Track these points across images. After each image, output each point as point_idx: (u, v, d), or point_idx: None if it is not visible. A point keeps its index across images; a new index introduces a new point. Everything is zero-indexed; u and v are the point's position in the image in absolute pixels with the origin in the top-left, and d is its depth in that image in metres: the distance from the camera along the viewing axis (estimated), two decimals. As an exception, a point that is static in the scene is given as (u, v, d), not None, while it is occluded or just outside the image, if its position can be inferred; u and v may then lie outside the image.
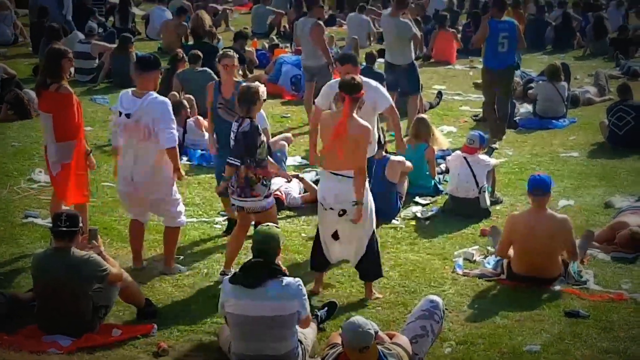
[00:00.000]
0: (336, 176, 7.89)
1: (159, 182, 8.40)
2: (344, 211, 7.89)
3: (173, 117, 8.36)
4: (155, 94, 8.32)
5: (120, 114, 8.28)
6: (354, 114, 7.84)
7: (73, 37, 18.31)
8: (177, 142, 8.35)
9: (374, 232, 8.19)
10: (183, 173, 8.57)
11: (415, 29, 14.11)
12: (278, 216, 9.13)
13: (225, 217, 10.06)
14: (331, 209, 7.94)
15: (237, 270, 6.98)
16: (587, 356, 7.16)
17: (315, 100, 9.35)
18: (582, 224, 10.08)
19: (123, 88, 15.21)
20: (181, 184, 10.43)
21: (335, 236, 8.11)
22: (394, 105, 9.33)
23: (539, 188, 8.50)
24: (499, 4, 13.90)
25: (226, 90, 9.16)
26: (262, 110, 8.77)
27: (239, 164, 8.07)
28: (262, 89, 8.38)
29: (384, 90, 9.30)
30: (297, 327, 6.72)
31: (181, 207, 8.74)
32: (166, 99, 8.44)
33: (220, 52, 9.46)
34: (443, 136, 13.02)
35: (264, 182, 8.26)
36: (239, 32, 18.59)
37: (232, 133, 8.20)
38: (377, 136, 9.21)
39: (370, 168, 8.61)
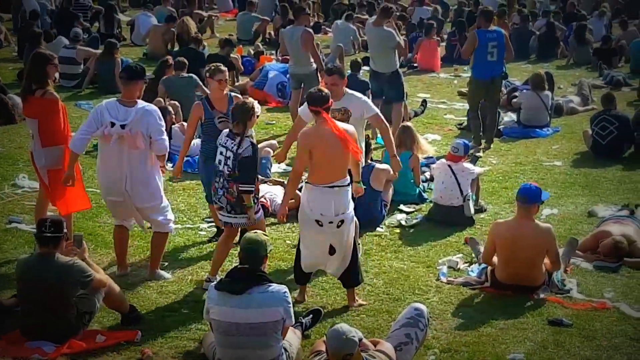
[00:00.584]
0: (332, 189, 7.88)
1: (151, 191, 8.44)
2: (342, 222, 7.92)
3: (164, 125, 8.44)
4: (144, 103, 8.38)
5: (113, 124, 8.22)
6: (335, 122, 7.90)
7: (58, 42, 18.28)
8: (168, 150, 8.42)
9: (355, 240, 8.23)
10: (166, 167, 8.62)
11: (398, 37, 14.13)
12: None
13: (211, 224, 10.06)
14: (330, 222, 7.93)
15: (223, 276, 6.99)
16: (571, 365, 7.21)
17: (300, 109, 9.38)
18: (565, 232, 10.12)
19: (108, 93, 15.46)
20: (166, 190, 10.43)
21: (331, 251, 8.09)
22: (380, 114, 9.33)
23: (526, 196, 8.52)
24: (486, 15, 14.00)
25: (221, 105, 9.13)
26: None
27: (253, 188, 8.11)
28: (257, 106, 8.47)
29: (368, 100, 9.47)
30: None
31: (170, 215, 8.76)
32: (156, 108, 8.48)
33: (211, 67, 9.34)
34: (427, 143, 13.05)
35: (255, 199, 8.31)
36: (227, 40, 18.56)
37: (225, 150, 8.15)
38: (362, 144, 9.19)
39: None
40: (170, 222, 8.74)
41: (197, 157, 12.41)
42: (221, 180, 8.20)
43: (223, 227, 8.63)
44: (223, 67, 9.35)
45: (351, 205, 8.05)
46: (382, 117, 9.37)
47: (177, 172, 9.76)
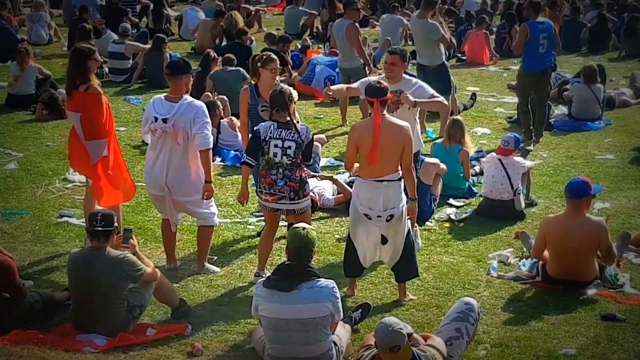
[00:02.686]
0: (381, 183, 7.87)
1: (192, 185, 8.45)
2: (392, 216, 7.90)
3: (209, 120, 8.40)
4: (190, 98, 8.39)
5: (157, 119, 8.30)
6: (387, 116, 7.87)
7: (107, 38, 18.45)
8: (211, 145, 8.38)
9: (409, 231, 8.18)
10: (213, 187, 8.57)
11: (443, 30, 14.07)
12: (312, 217, 9.15)
13: (260, 219, 10.09)
14: (378, 217, 7.93)
15: (271, 273, 7.01)
16: (624, 360, 7.14)
17: (360, 81, 9.48)
18: (618, 227, 10.02)
19: (157, 88, 15.59)
20: (214, 185, 10.47)
21: (384, 240, 8.08)
22: (436, 94, 9.38)
23: (573, 191, 8.45)
24: (535, 6, 13.86)
25: (268, 94, 8.96)
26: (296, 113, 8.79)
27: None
28: (294, 92, 8.43)
29: (424, 84, 9.44)
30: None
31: (214, 208, 8.79)
32: (201, 103, 8.49)
33: (263, 56, 9.32)
34: (476, 139, 12.99)
35: (307, 181, 8.42)
36: (282, 36, 18.65)
37: (281, 141, 8.12)
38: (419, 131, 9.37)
39: (417, 162, 9.05)
40: (214, 216, 8.76)
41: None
42: (281, 170, 8.17)
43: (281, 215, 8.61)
44: (274, 56, 9.35)
45: (403, 199, 8.00)
46: (440, 97, 9.44)
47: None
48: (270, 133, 8.18)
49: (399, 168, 7.91)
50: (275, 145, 8.13)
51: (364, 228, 8.06)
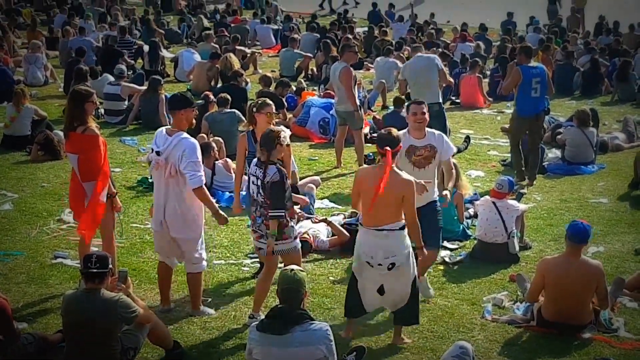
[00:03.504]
0: (381, 232, 7.87)
1: (187, 222, 8.43)
2: (393, 264, 7.88)
3: (197, 159, 8.30)
4: (185, 134, 8.35)
5: (152, 150, 8.39)
6: (395, 168, 7.85)
7: (103, 79, 18.50)
8: (203, 183, 8.33)
9: (415, 278, 8.15)
10: (222, 214, 8.55)
11: (441, 65, 14.12)
12: (306, 259, 9.14)
13: (254, 260, 10.08)
14: (379, 265, 7.91)
15: (264, 317, 6.98)
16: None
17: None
18: (612, 271, 10.01)
19: (152, 129, 15.57)
20: (209, 226, 10.48)
21: (380, 291, 8.05)
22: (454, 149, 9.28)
23: (577, 236, 8.45)
24: (527, 51, 14.01)
25: None
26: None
27: (283, 214, 8.08)
28: (284, 134, 8.39)
29: (447, 138, 9.27)
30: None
31: (204, 253, 8.74)
32: (194, 141, 8.46)
33: (258, 101, 9.37)
34: (467, 182, 13.00)
35: (292, 223, 8.32)
36: (282, 80, 18.77)
37: (255, 179, 8.17)
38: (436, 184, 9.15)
39: (439, 212, 9.04)
40: (202, 261, 8.69)
41: (241, 192, 12.50)
42: (259, 208, 8.22)
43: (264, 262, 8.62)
44: (269, 101, 9.39)
45: (407, 248, 7.97)
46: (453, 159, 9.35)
47: (236, 208, 9.63)
48: (252, 170, 8.26)
49: (402, 217, 7.90)
50: (253, 182, 8.22)
51: (366, 274, 8.05)
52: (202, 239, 8.69)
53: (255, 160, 8.32)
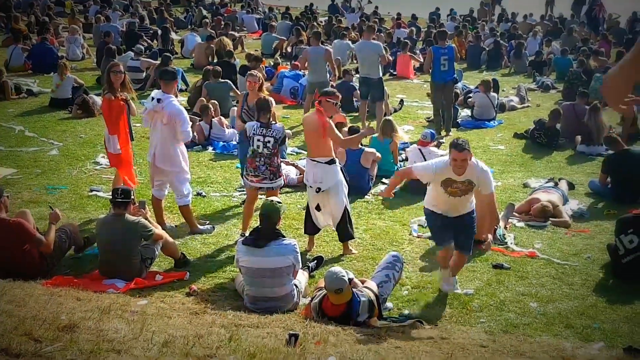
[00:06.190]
0: (313, 162, 7.98)
1: (170, 156, 8.36)
2: (319, 189, 7.96)
3: (187, 118, 8.37)
4: (173, 98, 8.34)
5: (152, 98, 8.28)
6: (321, 112, 7.87)
7: (126, 56, 18.19)
8: (190, 136, 8.35)
9: (346, 206, 8.11)
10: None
11: (383, 51, 14.07)
12: (280, 192, 9.15)
13: (242, 192, 10.07)
14: (311, 187, 8.02)
15: (248, 234, 7.02)
16: (508, 297, 7.24)
17: (415, 169, 7.13)
18: (506, 199, 10.15)
19: (164, 94, 15.40)
20: (207, 166, 10.46)
21: (318, 208, 8.13)
22: (494, 193, 7.00)
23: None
24: (441, 35, 14.25)
25: (251, 100, 9.08)
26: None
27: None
28: (272, 100, 8.45)
29: (489, 176, 6.81)
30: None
31: (188, 188, 8.60)
32: (182, 108, 8.42)
33: (248, 73, 9.50)
34: (404, 133, 13.04)
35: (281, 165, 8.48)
36: (256, 56, 18.54)
37: (262, 137, 8.09)
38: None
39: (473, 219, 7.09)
40: (187, 197, 8.56)
41: (231, 142, 12.46)
42: (262, 159, 8.14)
43: (261, 193, 8.56)
44: (255, 73, 9.46)
45: (334, 178, 7.94)
46: (495, 197, 7.16)
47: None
48: (256, 131, 8.16)
49: (331, 153, 7.94)
50: (258, 140, 8.12)
51: (309, 195, 8.14)
52: (186, 181, 8.54)
53: (256, 123, 8.21)
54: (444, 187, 6.67)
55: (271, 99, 8.50)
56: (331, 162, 7.95)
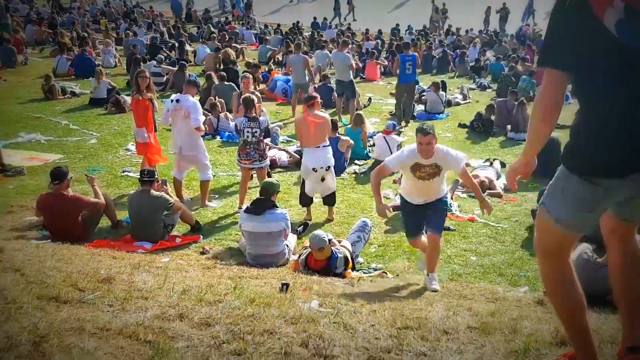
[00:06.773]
0: (318, 148, 7.92)
1: (192, 144, 8.29)
2: (329, 167, 8.02)
3: (200, 111, 8.25)
4: (191, 97, 8.23)
5: (172, 100, 8.20)
6: (314, 112, 7.84)
7: (150, 64, 17.97)
8: (200, 123, 8.17)
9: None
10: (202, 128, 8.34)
11: (353, 60, 14.03)
12: (274, 172, 9.15)
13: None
14: (321, 167, 7.96)
15: (250, 203, 7.02)
16: (454, 252, 7.28)
17: (387, 159, 6.00)
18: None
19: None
20: (216, 151, 10.39)
21: (322, 179, 8.06)
22: (466, 170, 6.10)
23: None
24: (405, 45, 14.10)
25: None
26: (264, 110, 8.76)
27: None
28: (255, 97, 8.46)
29: (460, 157, 5.98)
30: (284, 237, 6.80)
31: (210, 169, 8.55)
32: (196, 101, 8.32)
33: (242, 74, 9.45)
34: (371, 125, 13.02)
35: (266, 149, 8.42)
36: (254, 64, 18.43)
37: (251, 128, 8.08)
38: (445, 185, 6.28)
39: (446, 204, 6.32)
40: (209, 172, 8.48)
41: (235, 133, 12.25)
42: (252, 145, 8.15)
43: (254, 173, 8.54)
44: (248, 75, 9.53)
45: (331, 159, 8.03)
46: (468, 173, 6.21)
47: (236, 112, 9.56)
48: (245, 124, 8.14)
49: (326, 140, 7.95)
50: (247, 132, 8.11)
51: (310, 176, 8.04)
52: (207, 160, 8.46)
53: (244, 119, 8.17)
54: (412, 172, 5.81)
55: (254, 97, 8.48)
56: (325, 146, 8.01)
